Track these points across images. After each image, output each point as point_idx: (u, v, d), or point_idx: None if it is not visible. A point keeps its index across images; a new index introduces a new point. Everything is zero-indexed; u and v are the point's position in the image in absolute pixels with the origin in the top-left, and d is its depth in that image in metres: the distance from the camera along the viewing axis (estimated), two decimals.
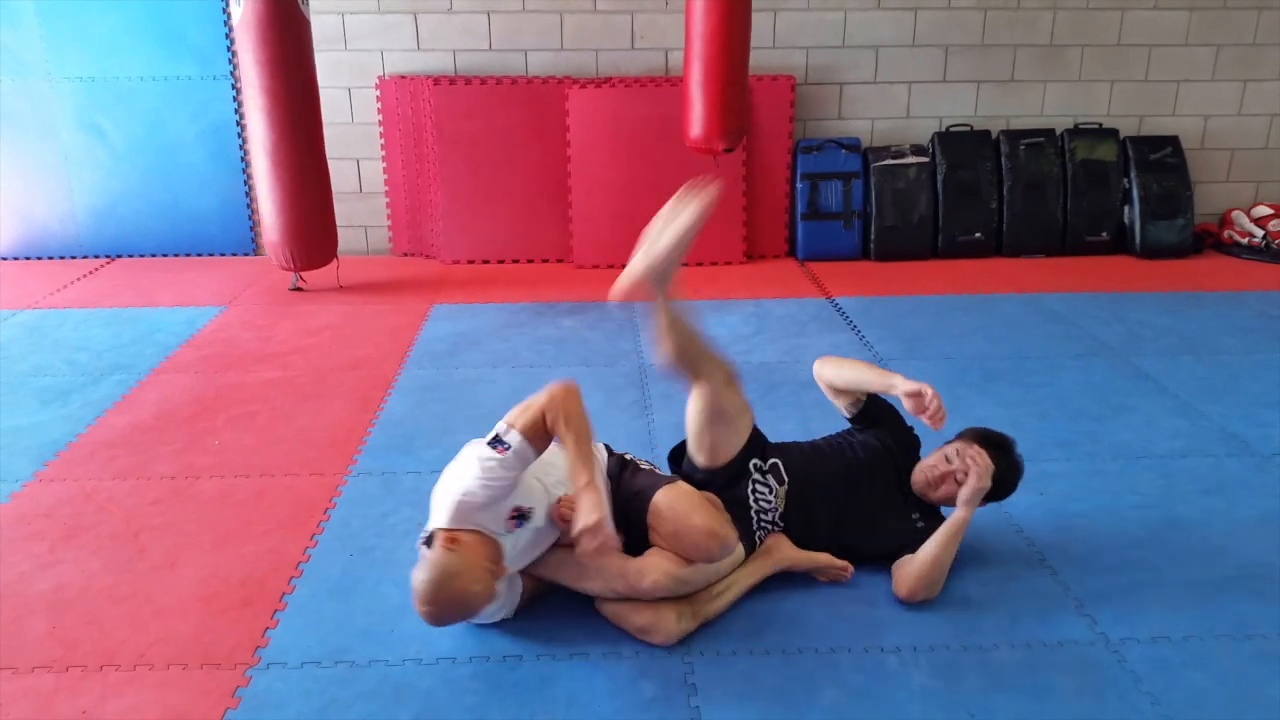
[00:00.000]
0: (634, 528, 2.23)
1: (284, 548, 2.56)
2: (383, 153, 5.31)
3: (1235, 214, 5.53)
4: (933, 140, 5.35)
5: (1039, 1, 5.25)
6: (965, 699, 2.01)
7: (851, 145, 5.28)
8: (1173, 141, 5.40)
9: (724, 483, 2.35)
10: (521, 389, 3.59)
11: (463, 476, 2.05)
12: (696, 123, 4.39)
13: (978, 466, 2.29)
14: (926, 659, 2.13)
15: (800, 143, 5.28)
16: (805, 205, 5.27)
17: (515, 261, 5.28)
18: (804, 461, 2.43)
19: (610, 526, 2.04)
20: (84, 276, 5.05)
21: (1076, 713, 1.98)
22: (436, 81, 5.06)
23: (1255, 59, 5.43)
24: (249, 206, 5.32)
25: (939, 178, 5.29)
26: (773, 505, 2.36)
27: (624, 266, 2.20)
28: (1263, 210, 5.47)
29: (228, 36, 5.07)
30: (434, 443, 3.13)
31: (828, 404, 2.60)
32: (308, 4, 4.30)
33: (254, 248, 5.40)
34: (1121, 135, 5.42)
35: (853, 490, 2.41)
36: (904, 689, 2.04)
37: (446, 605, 1.97)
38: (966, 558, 2.43)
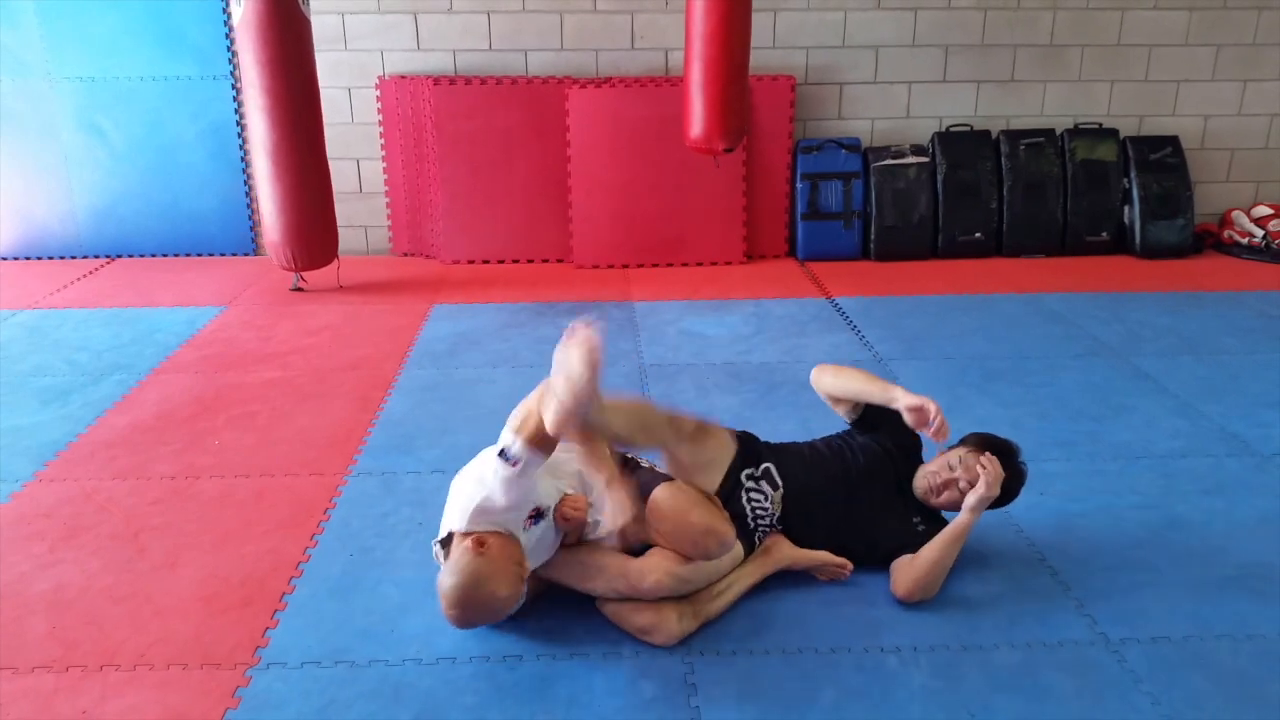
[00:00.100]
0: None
1: (284, 548, 2.56)
2: (383, 153, 5.31)
3: (1235, 214, 5.53)
4: (933, 140, 5.35)
5: (1039, 1, 5.25)
6: (965, 699, 2.01)
7: (851, 145, 5.28)
8: (1173, 141, 5.40)
9: (720, 494, 2.35)
10: (521, 389, 3.58)
11: (480, 482, 2.04)
12: (696, 123, 4.39)
13: (989, 475, 2.28)
14: (926, 659, 2.13)
15: (800, 143, 5.28)
16: (805, 205, 5.27)
17: (515, 261, 5.28)
18: (800, 464, 2.42)
19: (644, 568, 2.07)
20: (84, 276, 5.05)
21: (1076, 713, 1.98)
22: (436, 81, 5.06)
23: (1255, 59, 5.43)
24: (249, 206, 5.32)
25: (939, 178, 5.29)
26: (769, 510, 2.36)
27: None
28: (1263, 210, 5.47)
29: (228, 36, 5.07)
30: (434, 443, 3.13)
31: (825, 404, 2.60)
32: (308, 4, 4.30)
33: (254, 248, 5.40)
34: (1121, 135, 5.42)
35: (851, 493, 2.41)
36: (904, 689, 2.04)
37: (477, 609, 1.99)
38: (966, 558, 2.43)
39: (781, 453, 2.44)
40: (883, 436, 2.47)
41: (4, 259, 5.36)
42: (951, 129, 5.38)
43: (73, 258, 5.38)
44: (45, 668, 2.11)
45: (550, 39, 5.16)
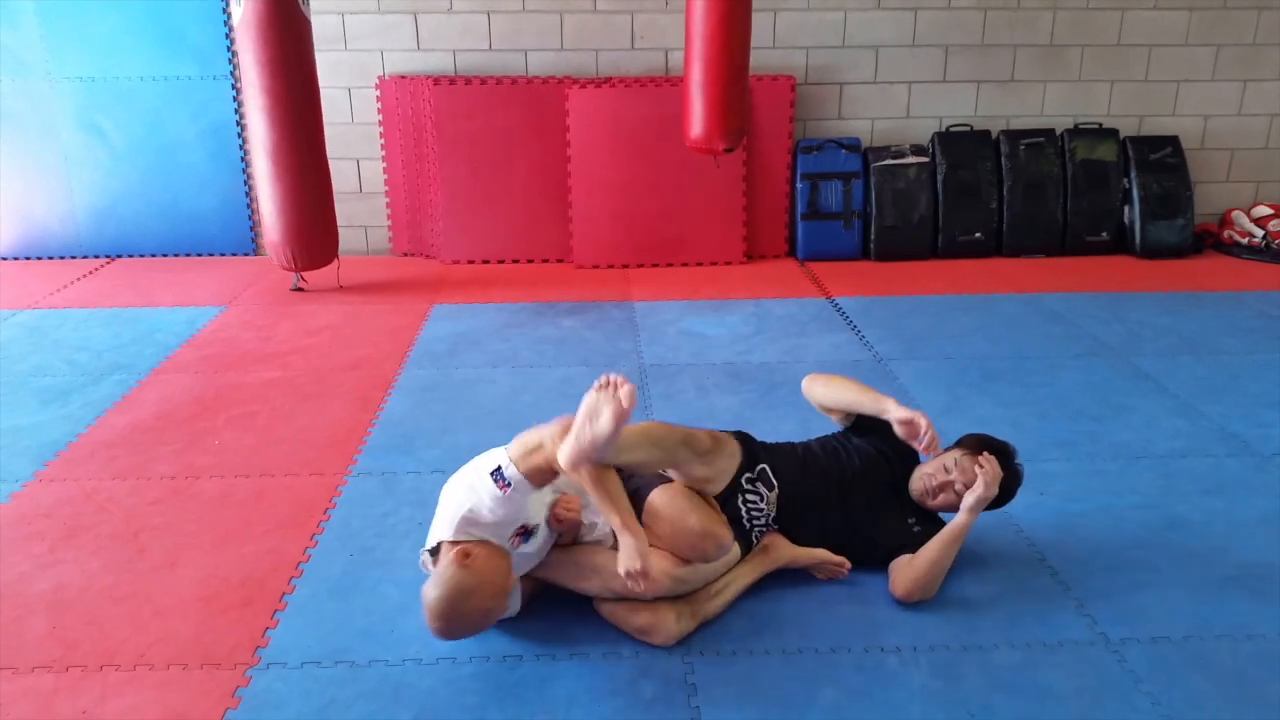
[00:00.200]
0: None
1: (284, 548, 2.56)
2: (383, 153, 5.31)
3: (1235, 214, 5.53)
4: (933, 140, 5.35)
5: (1039, 1, 5.25)
6: (965, 699, 2.01)
7: (851, 145, 5.28)
8: (1173, 141, 5.40)
9: (717, 498, 2.35)
10: (521, 389, 3.62)
11: (472, 493, 2.02)
12: (696, 123, 4.39)
13: (987, 475, 2.28)
14: (926, 659, 2.13)
15: (800, 143, 5.28)
16: (805, 205, 5.27)
17: (515, 261, 5.28)
18: (795, 465, 2.42)
19: (653, 569, 2.04)
20: (84, 276, 5.05)
21: (1076, 713, 1.98)
22: (436, 81, 5.06)
23: (1255, 59, 5.43)
24: (249, 206, 5.32)
25: (939, 178, 5.29)
26: (764, 511, 2.36)
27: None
28: (1263, 210, 5.47)
29: (228, 36, 5.07)
30: (434, 443, 3.13)
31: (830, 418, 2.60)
32: (308, 4, 4.30)
33: (254, 248, 5.40)
34: (1121, 135, 5.42)
35: (846, 494, 2.41)
36: (904, 689, 2.04)
37: (461, 621, 1.97)
38: (966, 558, 2.43)
39: (776, 453, 2.44)
40: (878, 439, 2.47)
41: (4, 259, 5.36)
42: (951, 129, 5.38)
43: (73, 258, 5.38)
44: (45, 668, 2.11)
45: (550, 39, 5.16)
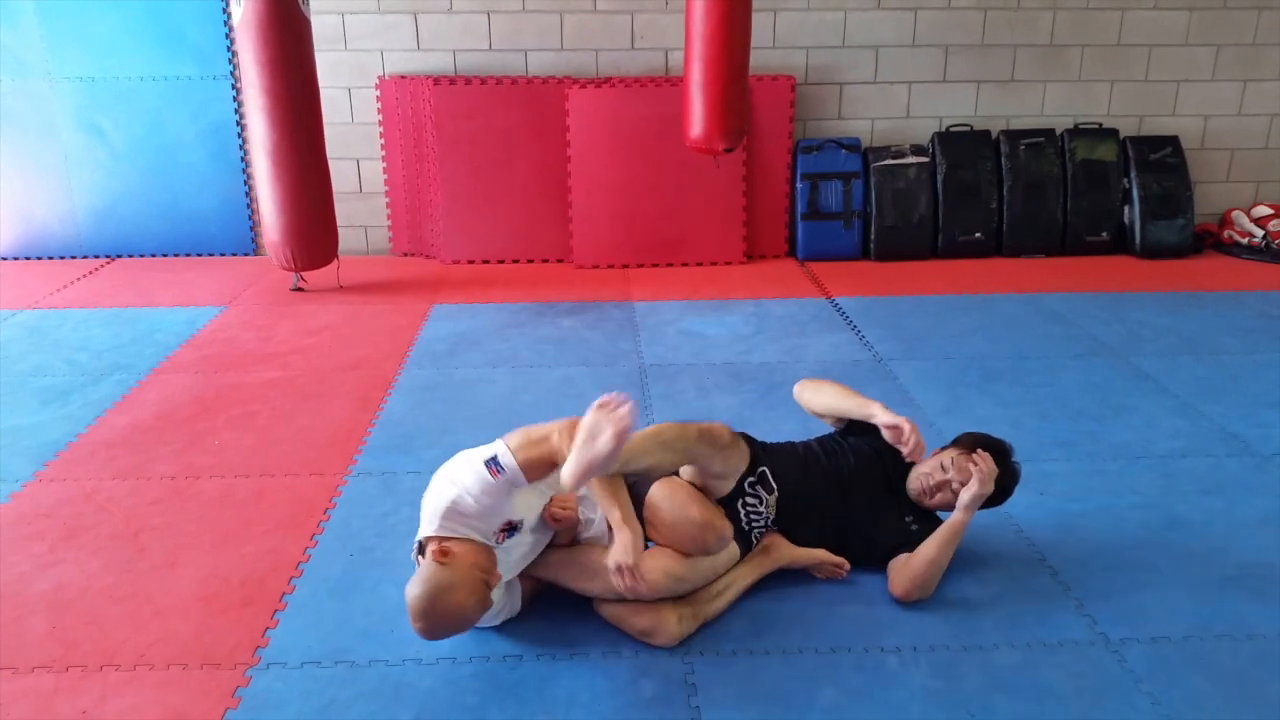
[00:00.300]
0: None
1: (284, 548, 2.56)
2: (383, 153, 5.31)
3: (1235, 214, 5.53)
4: (933, 140, 5.35)
5: (1039, 1, 5.25)
6: (965, 699, 2.01)
7: (851, 145, 5.28)
8: (1173, 141, 5.40)
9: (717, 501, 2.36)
10: (521, 389, 3.62)
11: (455, 485, 2.01)
12: (696, 123, 4.39)
13: (982, 472, 2.29)
14: (926, 659, 2.13)
15: (800, 143, 5.28)
16: (805, 205, 5.27)
17: (515, 261, 5.28)
18: (794, 466, 2.42)
19: (642, 569, 2.04)
20: (84, 276, 5.05)
21: (1076, 713, 1.98)
22: (436, 81, 5.06)
23: (1255, 59, 5.43)
24: (249, 206, 5.32)
25: (939, 178, 5.29)
26: (763, 514, 2.36)
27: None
28: (1263, 210, 5.47)
29: (228, 36, 5.07)
30: (434, 443, 3.13)
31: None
32: (308, 4, 4.30)
33: (254, 248, 5.40)
34: (1121, 135, 5.42)
35: (844, 494, 2.41)
36: (904, 689, 2.04)
37: (441, 620, 1.95)
38: (966, 558, 2.43)
39: (775, 454, 2.44)
40: (873, 439, 2.48)
41: (4, 259, 5.36)
42: (951, 129, 5.38)
43: (73, 258, 5.38)
44: (45, 668, 2.11)
45: (550, 39, 5.16)
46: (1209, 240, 5.51)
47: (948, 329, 4.21)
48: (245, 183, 5.28)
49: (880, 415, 2.36)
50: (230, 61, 5.10)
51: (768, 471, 2.38)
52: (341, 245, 4.83)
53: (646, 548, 2.25)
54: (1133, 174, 5.33)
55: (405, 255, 5.44)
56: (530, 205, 5.21)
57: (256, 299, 4.66)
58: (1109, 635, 2.20)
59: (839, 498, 2.41)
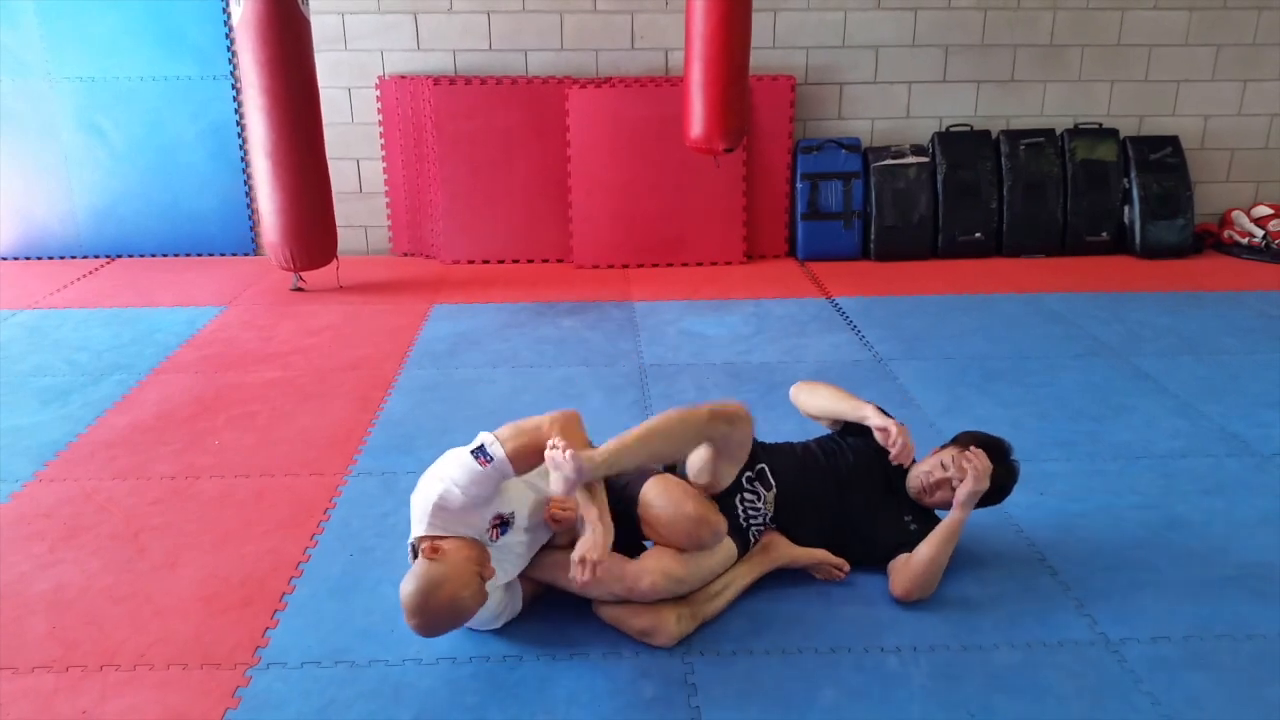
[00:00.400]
0: (625, 520, 2.23)
1: (284, 548, 2.56)
2: (383, 153, 5.31)
3: (1235, 214, 5.53)
4: (933, 140, 5.35)
5: (1039, 1, 5.25)
6: (965, 699, 2.01)
7: (851, 145, 5.28)
8: (1173, 141, 5.40)
9: (715, 497, 2.35)
10: (521, 389, 3.62)
11: (441, 480, 2.02)
12: (696, 123, 4.39)
13: (976, 469, 2.29)
14: (926, 659, 2.13)
15: (800, 143, 5.28)
16: (805, 205, 5.27)
17: (515, 261, 5.28)
18: (792, 465, 2.42)
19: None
20: (84, 276, 5.05)
21: (1076, 713, 1.98)
22: (436, 81, 5.06)
23: (1255, 59, 5.43)
24: (249, 206, 5.32)
25: (939, 178, 5.29)
26: (761, 511, 2.36)
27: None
28: (1263, 210, 5.47)
29: (228, 36, 5.07)
30: (434, 443, 3.11)
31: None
32: (307, 4, 4.30)
33: (254, 248, 5.40)
34: (1121, 135, 5.42)
35: (842, 493, 2.42)
36: (904, 689, 2.04)
37: (436, 615, 1.95)
38: (966, 558, 2.44)
39: (775, 453, 2.45)
40: (871, 439, 2.48)
41: (4, 259, 5.36)
42: (951, 129, 5.38)
43: (73, 258, 5.38)
44: (45, 668, 2.11)
45: (550, 39, 5.16)
46: (1209, 240, 5.51)
47: (948, 329, 4.21)
48: (245, 183, 5.28)
49: (872, 418, 2.39)
50: (230, 61, 5.10)
51: (766, 469, 2.38)
52: (341, 245, 4.83)
53: (645, 547, 2.25)
54: (1133, 174, 5.33)
55: (405, 255, 5.44)
56: (530, 205, 5.21)
57: (257, 299, 4.66)
58: (1109, 635, 2.20)
59: (837, 497, 2.41)
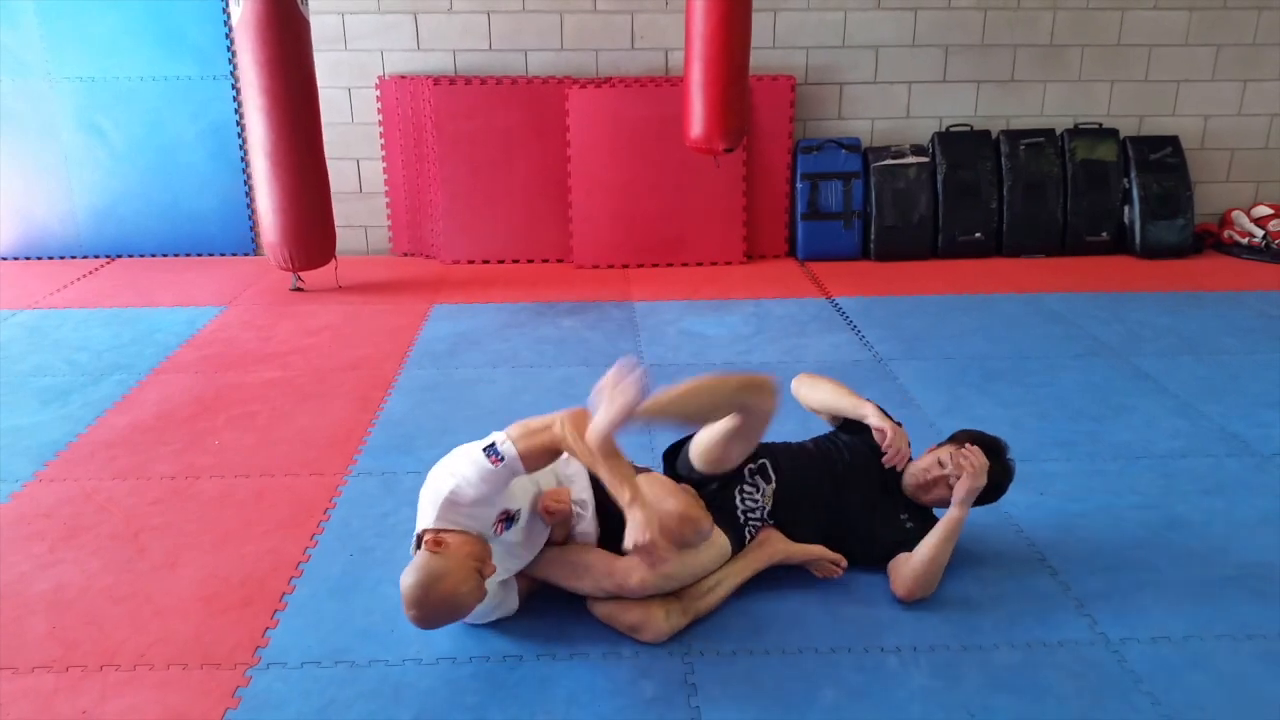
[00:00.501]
0: (613, 519, 2.23)
1: (284, 548, 2.56)
2: (383, 153, 5.31)
3: (1235, 214, 5.53)
4: (933, 140, 5.35)
5: (1039, 1, 5.25)
6: (965, 699, 2.01)
7: (851, 145, 5.28)
8: (1173, 141, 5.40)
9: (716, 486, 2.35)
10: (521, 389, 3.62)
11: (452, 475, 2.03)
12: (696, 123, 4.39)
13: (973, 467, 2.29)
14: (926, 659, 2.13)
15: (800, 143, 5.28)
16: (805, 205, 5.27)
17: (515, 261, 5.28)
18: (792, 461, 2.43)
19: (660, 546, 2.03)
20: (84, 276, 5.05)
21: (1076, 713, 1.98)
22: (436, 81, 5.06)
23: (1255, 59, 5.43)
24: (249, 206, 5.32)
25: (939, 178, 5.29)
26: (759, 504, 2.36)
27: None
28: (1263, 210, 5.47)
29: (228, 36, 5.07)
30: (434, 443, 3.12)
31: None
32: (307, 4, 4.30)
33: (254, 248, 5.40)
34: (1121, 135, 5.42)
35: (839, 491, 2.42)
36: (904, 689, 2.04)
37: (434, 608, 1.96)
38: (966, 558, 2.44)
39: (776, 449, 2.45)
40: (868, 435, 2.48)
41: (4, 259, 5.36)
42: (951, 129, 5.38)
43: (73, 258, 5.38)
44: (45, 668, 2.11)
45: (550, 39, 5.16)
46: (1209, 240, 5.51)
47: (948, 329, 4.21)
48: (245, 183, 5.28)
49: (871, 417, 2.40)
50: (230, 61, 5.10)
51: (768, 463, 2.39)
52: (341, 245, 4.83)
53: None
54: (1133, 174, 5.33)
55: (405, 255, 5.44)
56: (530, 205, 5.21)
57: (256, 299, 4.66)
58: (1109, 635, 2.20)
59: (834, 494, 2.42)
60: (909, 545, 2.33)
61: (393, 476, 2.93)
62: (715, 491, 2.35)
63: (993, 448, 2.38)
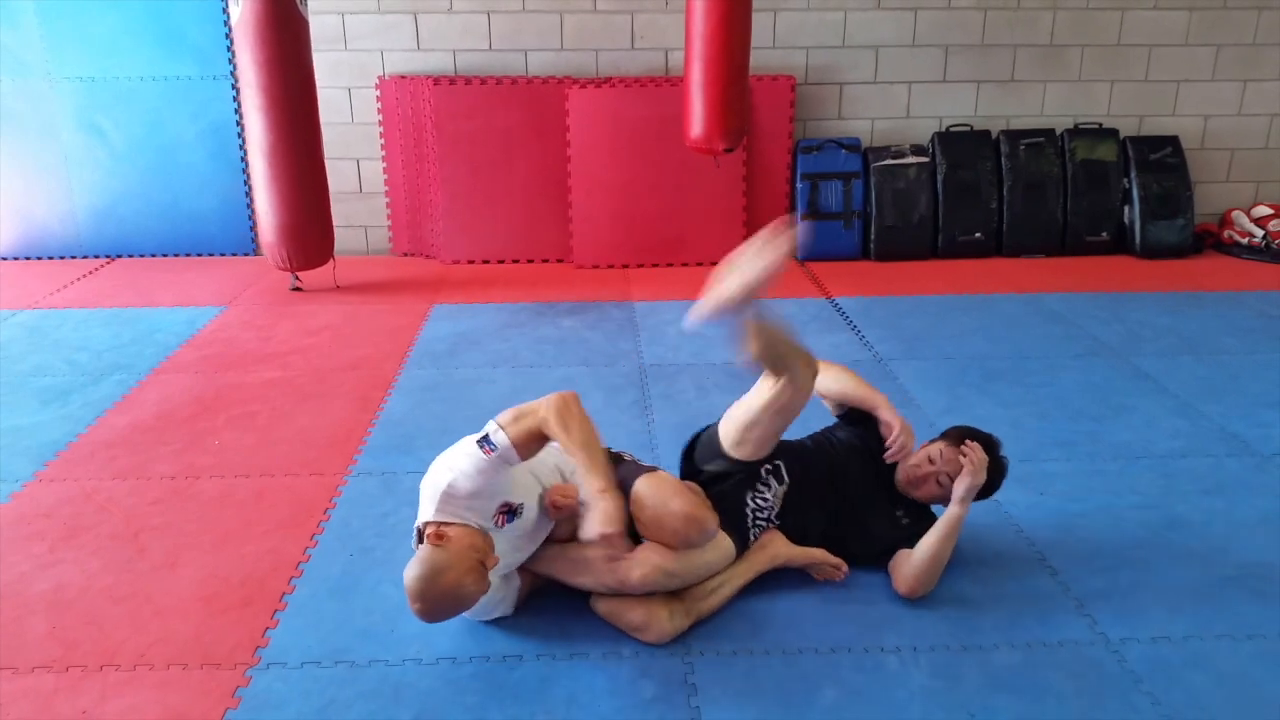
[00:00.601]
0: None
1: (284, 548, 2.56)
2: (383, 153, 5.31)
3: (1235, 214, 5.53)
4: (933, 140, 5.35)
5: (1039, 1, 5.25)
6: (965, 699, 2.01)
7: (851, 145, 5.28)
8: (1173, 141, 5.40)
9: (732, 481, 2.35)
10: (521, 389, 3.62)
11: (449, 469, 2.05)
12: (696, 123, 4.39)
13: (973, 462, 2.29)
14: (926, 659, 2.13)
15: (800, 143, 5.28)
16: (805, 205, 5.27)
17: (515, 261, 5.28)
18: (799, 462, 2.43)
19: (626, 538, 2.03)
20: (84, 276, 5.05)
21: (1076, 713, 1.98)
22: (436, 81, 5.06)
23: (1255, 59, 5.43)
24: (249, 206, 5.32)
25: (939, 178, 5.29)
26: (769, 505, 2.36)
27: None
28: (1263, 210, 5.47)
29: (227, 36, 5.07)
30: (434, 443, 3.09)
31: (819, 401, 2.59)
32: (305, 4, 4.30)
33: (254, 248, 5.40)
34: (1121, 135, 5.42)
35: (837, 489, 2.42)
36: (904, 689, 2.04)
37: (438, 601, 1.96)
38: (966, 558, 2.44)
39: (786, 449, 2.44)
40: (866, 431, 2.48)
41: (4, 259, 5.36)
42: (951, 129, 5.38)
43: (73, 258, 5.38)
44: (45, 668, 2.11)
45: (550, 39, 5.16)
46: (1209, 240, 5.51)
47: (948, 329, 4.21)
48: (245, 183, 5.28)
49: (882, 410, 2.41)
50: (230, 61, 5.10)
51: (782, 465, 2.38)
52: (342, 245, 4.83)
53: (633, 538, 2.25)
54: (1133, 174, 5.33)
55: (405, 255, 5.44)
56: (530, 205, 5.21)
57: (256, 299, 4.66)
58: (1109, 635, 2.20)
59: (833, 492, 2.42)
60: (907, 542, 2.33)
61: (393, 476, 2.93)
62: (727, 490, 2.35)
63: (986, 444, 2.38)
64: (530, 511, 2.16)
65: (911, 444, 2.41)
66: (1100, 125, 5.41)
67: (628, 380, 3.67)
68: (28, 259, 5.37)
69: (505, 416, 2.08)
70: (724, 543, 2.27)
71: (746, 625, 2.24)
